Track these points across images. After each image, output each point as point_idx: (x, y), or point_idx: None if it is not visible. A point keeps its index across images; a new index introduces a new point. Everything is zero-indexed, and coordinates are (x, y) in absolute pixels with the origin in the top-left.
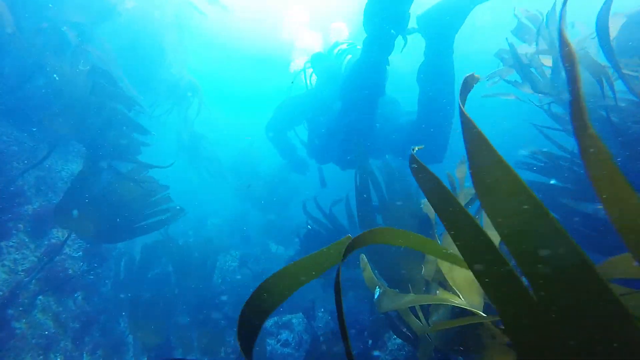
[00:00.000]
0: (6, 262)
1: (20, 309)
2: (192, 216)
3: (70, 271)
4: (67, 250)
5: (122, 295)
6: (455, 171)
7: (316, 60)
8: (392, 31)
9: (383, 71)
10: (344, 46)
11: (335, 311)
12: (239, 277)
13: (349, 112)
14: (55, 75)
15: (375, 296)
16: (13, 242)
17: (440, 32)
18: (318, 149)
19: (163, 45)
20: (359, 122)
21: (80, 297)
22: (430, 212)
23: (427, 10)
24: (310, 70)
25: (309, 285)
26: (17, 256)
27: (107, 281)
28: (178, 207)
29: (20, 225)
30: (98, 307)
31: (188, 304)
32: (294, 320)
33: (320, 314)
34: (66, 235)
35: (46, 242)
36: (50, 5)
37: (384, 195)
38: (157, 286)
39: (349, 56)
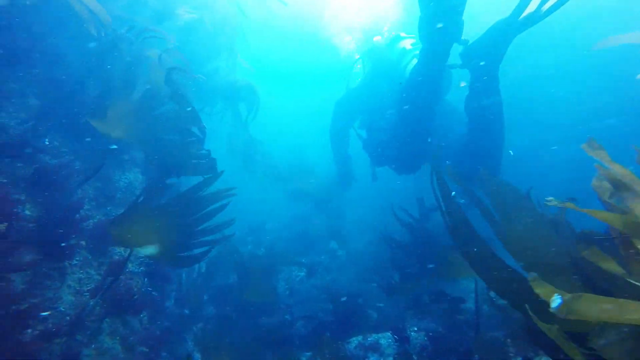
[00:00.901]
0: (71, 283)
1: (88, 333)
2: (249, 221)
3: (134, 289)
4: (129, 266)
5: (186, 311)
6: None
7: (374, 52)
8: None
9: (439, 80)
10: (409, 46)
11: (432, 330)
12: (308, 288)
13: (408, 119)
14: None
15: (556, 304)
16: (77, 260)
17: (485, 65)
18: (375, 149)
19: (215, 47)
20: (417, 128)
21: (145, 318)
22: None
23: (469, 45)
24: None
25: None
26: (81, 275)
27: (172, 294)
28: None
29: (83, 242)
30: (163, 326)
31: (255, 319)
32: (382, 342)
33: (413, 334)
34: (128, 252)
35: (108, 260)
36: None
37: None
38: (221, 300)
39: (414, 60)
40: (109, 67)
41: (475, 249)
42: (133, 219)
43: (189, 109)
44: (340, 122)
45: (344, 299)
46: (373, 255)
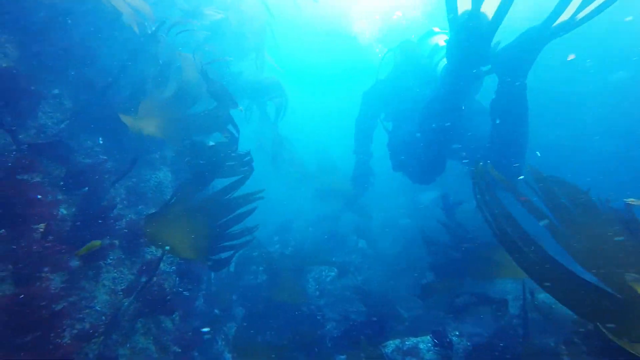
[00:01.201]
0: (106, 282)
1: (123, 332)
2: (276, 220)
3: (167, 289)
4: (161, 266)
5: (216, 311)
6: None
7: (405, 46)
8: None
9: (463, 97)
10: (442, 42)
11: (476, 335)
12: (339, 288)
13: (430, 134)
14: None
15: None
16: (111, 259)
17: (515, 71)
18: (397, 156)
19: (242, 46)
20: (440, 141)
21: (177, 317)
22: None
23: (500, 50)
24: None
25: None
26: (115, 275)
27: (200, 293)
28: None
29: (116, 242)
30: (194, 325)
31: (286, 320)
32: (421, 346)
33: (455, 338)
34: (161, 252)
35: (140, 259)
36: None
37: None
38: (250, 300)
39: (444, 60)
40: (142, 65)
41: (531, 257)
42: (166, 218)
43: (231, 105)
44: (367, 112)
45: (377, 300)
46: (403, 255)
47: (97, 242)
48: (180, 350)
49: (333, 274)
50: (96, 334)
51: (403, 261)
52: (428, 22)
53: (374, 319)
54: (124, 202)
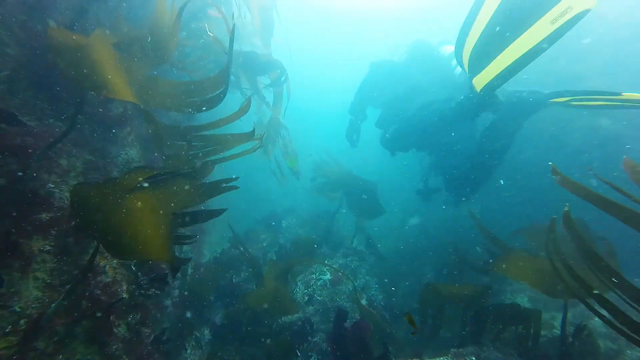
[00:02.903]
0: (39, 275)
1: (55, 339)
2: (267, 215)
3: (123, 284)
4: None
5: (188, 315)
6: None
7: (422, 44)
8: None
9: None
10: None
11: None
12: (331, 295)
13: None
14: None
15: None
16: (50, 245)
17: (516, 120)
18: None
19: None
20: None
21: (135, 321)
22: None
23: (507, 96)
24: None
25: None
26: (54, 265)
27: (173, 292)
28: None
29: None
30: (158, 331)
31: (268, 328)
32: None
33: None
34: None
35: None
36: None
37: None
38: (228, 303)
39: (459, 69)
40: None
41: None
42: (104, 193)
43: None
44: (372, 80)
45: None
46: (404, 257)
47: None
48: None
49: (325, 277)
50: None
51: (404, 264)
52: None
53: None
54: (79, 177)
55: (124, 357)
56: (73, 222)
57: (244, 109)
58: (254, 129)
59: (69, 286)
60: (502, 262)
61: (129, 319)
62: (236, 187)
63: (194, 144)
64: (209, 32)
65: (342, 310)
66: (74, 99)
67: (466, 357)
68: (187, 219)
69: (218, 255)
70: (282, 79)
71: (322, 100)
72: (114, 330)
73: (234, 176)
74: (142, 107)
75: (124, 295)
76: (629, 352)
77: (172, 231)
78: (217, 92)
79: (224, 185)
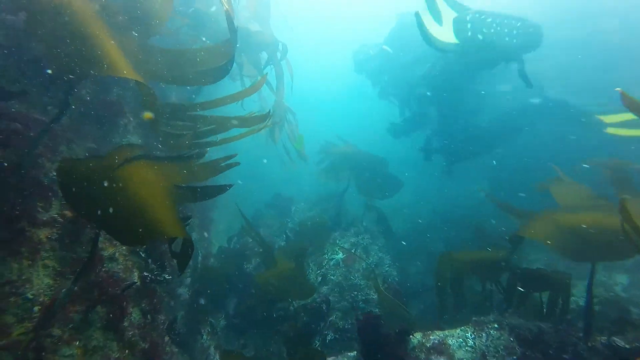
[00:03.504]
0: (48, 262)
1: (70, 326)
2: (275, 199)
3: (134, 271)
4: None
5: (202, 302)
6: None
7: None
8: None
9: None
10: None
11: (521, 328)
12: (345, 274)
13: None
14: None
15: None
16: (57, 233)
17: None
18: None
19: None
20: None
21: (149, 307)
22: None
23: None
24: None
25: None
26: (64, 253)
27: (185, 280)
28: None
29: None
30: (172, 317)
31: (286, 312)
32: (450, 341)
33: (493, 332)
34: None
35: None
36: None
37: None
38: (242, 288)
39: None
40: None
41: None
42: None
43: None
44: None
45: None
46: (413, 235)
47: None
48: (149, 346)
49: (338, 257)
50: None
51: (416, 242)
52: None
53: (387, 309)
54: None
55: (140, 342)
56: (65, 202)
57: (255, 87)
58: (268, 112)
59: (77, 271)
60: (527, 227)
61: (142, 306)
62: (237, 163)
63: (191, 124)
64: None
65: (370, 318)
66: (63, 80)
67: (487, 325)
68: (189, 193)
69: (228, 244)
70: (279, 55)
71: (326, 84)
72: (129, 316)
73: (237, 160)
74: (136, 81)
75: (136, 282)
76: None
77: (176, 205)
78: (223, 63)
79: (223, 164)
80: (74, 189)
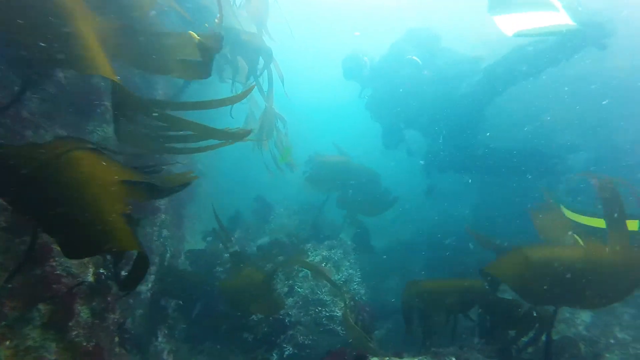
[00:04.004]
0: None
1: (3, 323)
2: (252, 207)
3: (89, 266)
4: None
5: (163, 302)
6: None
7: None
8: None
9: None
10: None
11: None
12: (310, 287)
13: None
14: None
15: None
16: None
17: None
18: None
19: None
20: None
21: (99, 305)
22: None
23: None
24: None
25: None
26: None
27: (150, 277)
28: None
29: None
30: (127, 316)
31: (247, 321)
32: None
33: None
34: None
35: None
36: None
37: None
38: (207, 292)
39: None
40: None
41: None
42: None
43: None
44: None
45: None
46: (394, 253)
47: None
48: (93, 347)
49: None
50: None
51: (394, 260)
52: None
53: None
54: None
55: (84, 343)
56: None
57: (243, 94)
58: (250, 130)
59: (20, 261)
60: (495, 264)
61: (94, 304)
62: (196, 177)
63: (163, 125)
64: None
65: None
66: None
67: (446, 357)
68: (146, 191)
69: (204, 240)
70: (262, 65)
71: (321, 95)
72: (76, 315)
73: (221, 160)
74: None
75: (89, 279)
76: (607, 355)
77: (124, 204)
78: (207, 56)
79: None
80: (3, 178)
